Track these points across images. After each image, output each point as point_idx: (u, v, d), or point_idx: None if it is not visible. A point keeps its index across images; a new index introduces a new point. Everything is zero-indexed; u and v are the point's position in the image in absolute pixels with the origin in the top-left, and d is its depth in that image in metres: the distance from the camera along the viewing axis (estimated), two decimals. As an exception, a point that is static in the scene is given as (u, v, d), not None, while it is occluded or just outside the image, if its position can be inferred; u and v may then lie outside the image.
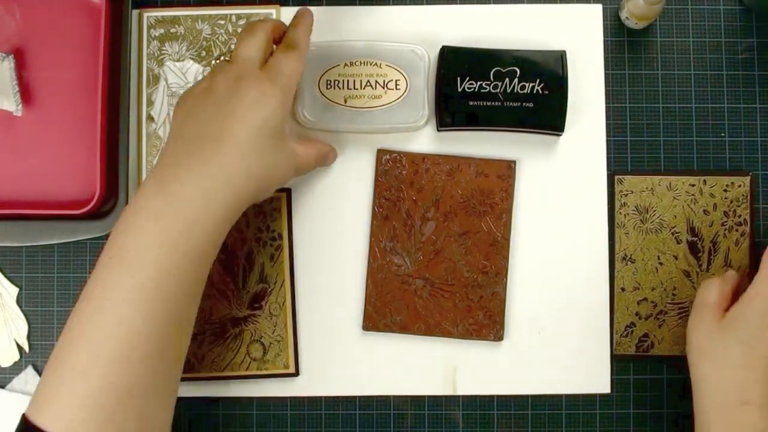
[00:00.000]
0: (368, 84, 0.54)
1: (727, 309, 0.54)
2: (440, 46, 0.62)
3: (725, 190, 0.63)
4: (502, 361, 0.62)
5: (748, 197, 0.63)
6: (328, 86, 0.55)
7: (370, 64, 0.54)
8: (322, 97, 0.55)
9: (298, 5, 0.65)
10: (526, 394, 0.62)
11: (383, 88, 0.54)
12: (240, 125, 0.45)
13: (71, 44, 0.64)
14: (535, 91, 0.60)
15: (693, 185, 0.63)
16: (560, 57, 0.61)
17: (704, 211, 0.63)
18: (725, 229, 0.63)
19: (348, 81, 0.54)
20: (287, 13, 0.65)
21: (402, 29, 0.64)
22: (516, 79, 0.60)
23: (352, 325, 0.63)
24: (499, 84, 0.60)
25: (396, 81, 0.55)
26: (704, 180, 0.63)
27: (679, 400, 0.62)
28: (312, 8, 0.65)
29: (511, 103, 0.60)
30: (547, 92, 0.60)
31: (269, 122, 0.47)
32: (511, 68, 0.60)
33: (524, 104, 0.60)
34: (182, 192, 0.44)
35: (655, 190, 0.63)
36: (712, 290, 0.55)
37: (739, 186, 0.63)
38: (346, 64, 0.54)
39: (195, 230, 0.44)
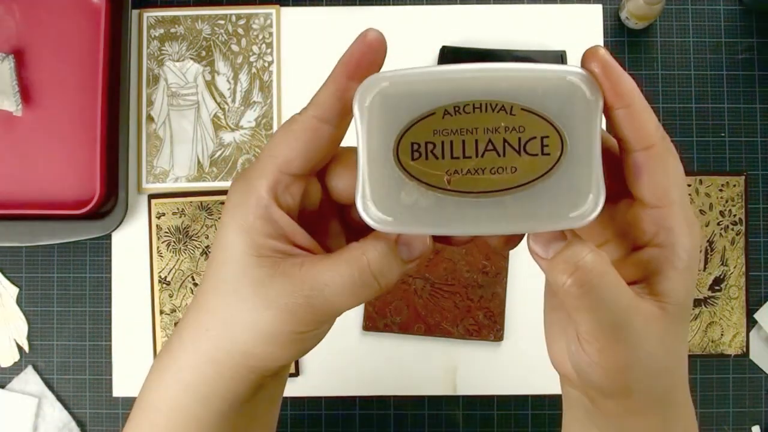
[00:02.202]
0: (490, 147, 0.27)
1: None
2: (440, 46, 0.62)
3: (720, 190, 0.63)
4: (502, 361, 0.62)
5: (743, 197, 0.63)
6: (416, 155, 0.27)
7: (493, 109, 0.27)
8: (404, 175, 0.27)
9: (298, 5, 0.65)
10: (526, 394, 0.62)
11: (518, 152, 0.27)
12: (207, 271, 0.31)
13: (71, 44, 0.64)
14: None
15: (689, 185, 0.63)
16: (560, 57, 0.61)
17: (700, 210, 0.63)
18: (721, 229, 0.63)
19: (452, 143, 0.27)
20: (287, 13, 0.65)
21: (403, 29, 0.64)
22: None
23: (352, 325, 0.63)
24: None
25: (542, 139, 0.27)
26: (700, 180, 0.63)
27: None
28: (311, 9, 0.65)
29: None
30: None
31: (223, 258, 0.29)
32: None
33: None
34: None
35: (654, 190, 0.63)
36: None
37: (734, 185, 0.63)
38: (446, 112, 0.27)
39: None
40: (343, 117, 0.28)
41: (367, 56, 0.27)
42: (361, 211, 0.27)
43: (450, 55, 0.60)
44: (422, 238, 0.29)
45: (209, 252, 0.63)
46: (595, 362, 0.28)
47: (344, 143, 0.29)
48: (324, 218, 0.31)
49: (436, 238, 0.29)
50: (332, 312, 0.29)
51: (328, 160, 0.29)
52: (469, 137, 0.27)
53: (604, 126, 0.28)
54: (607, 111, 0.27)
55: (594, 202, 0.27)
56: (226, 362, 0.30)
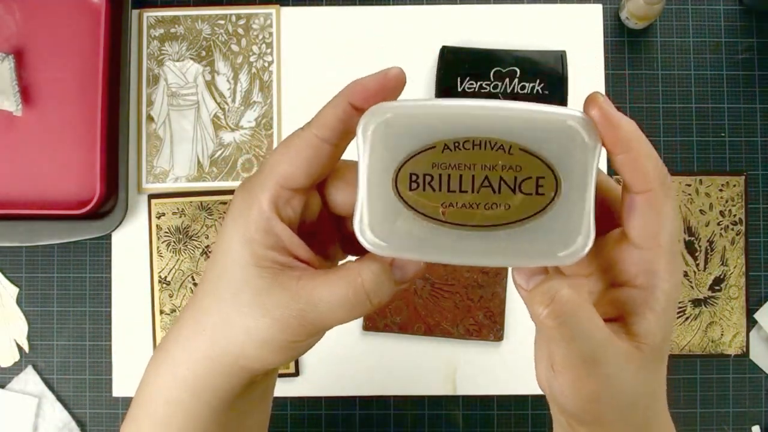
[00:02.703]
0: (486, 183, 0.28)
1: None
2: (440, 46, 0.62)
3: (720, 190, 0.63)
4: (502, 361, 0.62)
5: (743, 196, 0.63)
6: (414, 185, 0.28)
7: (492, 147, 0.28)
8: (401, 204, 0.28)
9: (298, 5, 0.65)
10: (526, 394, 0.62)
11: (513, 190, 0.28)
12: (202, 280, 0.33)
13: (71, 44, 0.64)
14: (535, 91, 0.60)
15: (689, 185, 0.63)
16: (560, 57, 0.61)
17: (700, 210, 0.63)
18: (721, 229, 0.63)
19: (450, 177, 0.28)
20: (287, 13, 0.65)
21: (403, 29, 0.64)
22: (516, 79, 0.60)
23: (352, 325, 0.63)
24: (500, 84, 0.60)
25: (538, 179, 0.28)
26: (700, 180, 0.63)
27: (678, 400, 0.62)
28: (311, 8, 0.65)
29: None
30: (547, 92, 0.60)
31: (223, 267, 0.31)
32: (511, 68, 0.60)
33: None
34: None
35: (654, 190, 0.63)
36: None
37: (734, 185, 0.63)
38: (446, 147, 0.28)
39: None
40: (344, 138, 0.29)
41: (381, 93, 0.28)
42: (358, 235, 0.28)
43: (450, 55, 0.60)
44: (415, 263, 0.30)
45: (209, 252, 0.63)
46: (567, 392, 0.28)
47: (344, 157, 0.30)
48: (322, 227, 0.32)
49: (429, 263, 0.30)
50: (324, 326, 0.30)
51: (328, 174, 0.30)
52: (467, 172, 0.28)
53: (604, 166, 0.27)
54: (609, 154, 0.28)
55: (583, 243, 0.28)
56: (220, 360, 0.31)
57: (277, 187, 0.29)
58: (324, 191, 0.31)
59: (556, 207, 0.28)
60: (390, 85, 0.28)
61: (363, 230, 0.28)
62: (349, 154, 0.30)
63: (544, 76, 0.60)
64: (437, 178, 0.28)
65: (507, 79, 0.60)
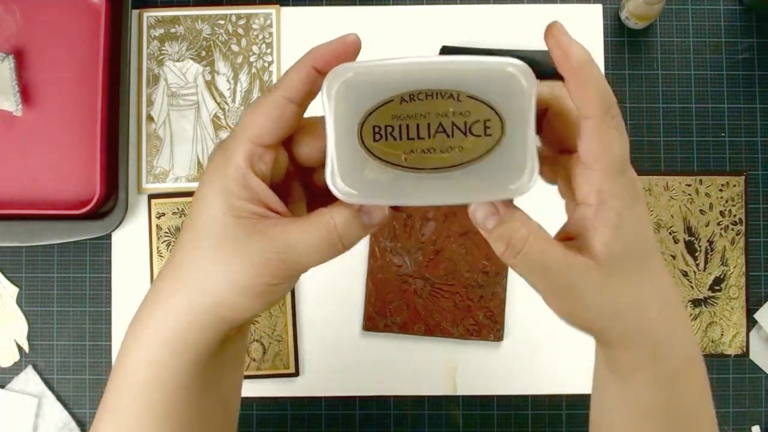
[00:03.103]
0: (440, 129, 0.31)
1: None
2: (440, 46, 0.62)
3: (720, 190, 0.63)
4: (502, 361, 0.62)
5: (743, 196, 0.63)
6: (377, 136, 0.31)
7: (442, 97, 0.31)
8: (367, 154, 0.32)
9: (298, 5, 0.65)
10: (526, 394, 0.62)
11: (464, 133, 0.31)
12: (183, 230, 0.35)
13: (71, 44, 0.64)
14: None
15: (689, 185, 0.63)
16: None
17: (700, 210, 0.63)
18: (721, 229, 0.63)
19: (408, 126, 0.31)
20: (287, 14, 0.65)
21: (403, 29, 0.64)
22: None
23: (352, 325, 0.63)
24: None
25: (485, 122, 0.31)
26: (700, 180, 0.63)
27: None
28: (311, 8, 0.65)
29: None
30: None
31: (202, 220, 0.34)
32: None
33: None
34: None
35: (652, 190, 0.63)
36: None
37: (734, 185, 0.63)
38: (403, 99, 0.31)
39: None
40: (307, 98, 0.32)
41: (341, 57, 0.31)
42: (330, 185, 0.31)
43: (452, 53, 0.61)
44: (381, 208, 0.33)
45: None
46: (559, 315, 0.33)
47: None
48: (289, 185, 0.35)
49: (392, 207, 0.34)
50: (300, 267, 0.32)
51: (293, 131, 0.33)
52: (423, 121, 0.31)
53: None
54: (565, 81, 0.31)
55: (529, 176, 0.31)
56: (199, 313, 0.33)
57: (251, 144, 0.32)
58: (291, 147, 0.34)
59: (503, 145, 0.31)
60: (349, 50, 0.32)
61: (334, 181, 0.31)
62: (311, 112, 0.33)
63: (544, 76, 0.60)
64: (397, 128, 0.31)
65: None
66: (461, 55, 0.33)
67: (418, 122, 0.31)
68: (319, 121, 0.33)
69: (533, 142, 0.31)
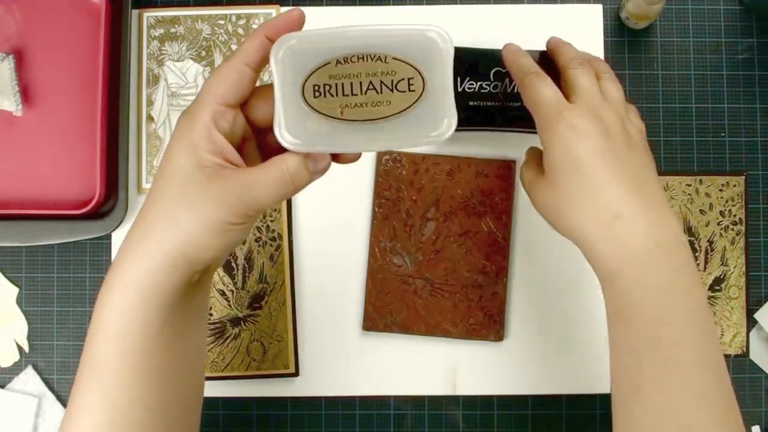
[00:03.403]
0: (371, 87, 0.37)
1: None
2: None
3: (720, 190, 0.63)
4: (502, 361, 0.62)
5: (743, 196, 0.63)
6: (317, 94, 0.37)
7: (372, 59, 0.37)
8: (308, 109, 0.37)
9: (297, 5, 0.65)
10: (526, 394, 0.62)
11: (391, 90, 0.37)
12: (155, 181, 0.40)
13: (71, 44, 0.64)
14: None
15: (689, 185, 0.63)
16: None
17: (700, 210, 0.63)
18: (721, 229, 0.63)
19: (343, 85, 0.37)
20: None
21: (402, 29, 0.65)
22: (506, 79, 0.60)
23: (352, 325, 0.63)
24: (499, 84, 0.60)
25: (409, 80, 0.37)
26: (700, 180, 0.63)
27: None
28: (311, 9, 0.65)
29: (510, 103, 0.60)
30: None
31: (167, 165, 0.38)
32: (498, 69, 0.60)
33: (513, 104, 0.60)
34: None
35: (654, 190, 0.63)
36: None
37: (734, 185, 0.63)
38: (338, 62, 0.37)
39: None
40: (261, 64, 0.38)
41: (288, 27, 0.37)
42: (278, 136, 0.37)
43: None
44: (324, 156, 0.39)
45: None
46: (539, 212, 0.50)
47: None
48: (244, 146, 0.40)
49: (333, 156, 0.39)
50: (256, 205, 0.37)
51: (248, 95, 0.39)
52: (356, 80, 0.37)
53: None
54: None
55: (448, 125, 0.38)
56: (168, 251, 0.37)
57: (215, 104, 0.37)
58: (246, 110, 0.39)
59: (425, 100, 0.38)
60: (294, 22, 0.38)
61: (282, 133, 0.37)
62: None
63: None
64: (334, 86, 0.37)
65: (507, 79, 0.59)
66: (388, 23, 0.39)
67: (351, 81, 0.37)
68: (269, 87, 0.38)
69: (452, 95, 0.38)
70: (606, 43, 0.65)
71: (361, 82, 0.37)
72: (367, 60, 0.37)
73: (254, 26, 0.65)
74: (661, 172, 0.64)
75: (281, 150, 0.38)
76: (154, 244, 0.37)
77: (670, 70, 0.65)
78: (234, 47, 0.65)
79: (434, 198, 0.62)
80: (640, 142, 0.47)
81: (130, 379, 0.38)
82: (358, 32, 0.37)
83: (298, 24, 0.38)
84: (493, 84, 0.60)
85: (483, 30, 0.64)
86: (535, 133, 0.62)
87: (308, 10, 0.65)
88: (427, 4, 0.65)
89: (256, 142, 0.41)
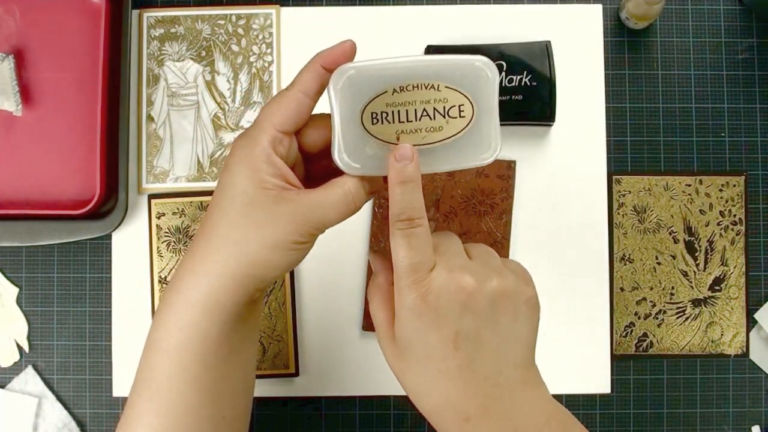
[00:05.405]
0: (425, 113, 0.40)
1: None
2: (425, 46, 0.62)
3: (720, 190, 0.63)
4: (502, 361, 0.62)
5: (743, 197, 0.63)
6: (374, 120, 0.39)
7: (426, 87, 0.39)
8: (367, 135, 0.39)
9: (297, 5, 0.65)
10: (525, 394, 0.62)
11: (444, 116, 0.40)
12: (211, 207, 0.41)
13: (71, 44, 0.64)
14: (522, 84, 0.60)
15: (689, 185, 0.63)
16: (545, 47, 0.61)
17: (700, 210, 0.63)
18: (721, 229, 0.63)
19: (399, 112, 0.40)
20: (287, 14, 0.65)
21: (402, 29, 0.64)
22: (503, 73, 0.60)
23: (352, 325, 0.63)
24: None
25: (460, 106, 0.40)
26: (700, 180, 0.63)
27: (678, 400, 0.62)
28: (311, 9, 0.65)
29: (500, 98, 0.60)
30: (534, 83, 0.60)
31: (231, 191, 0.40)
32: (498, 62, 0.60)
33: (513, 97, 0.60)
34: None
35: (652, 190, 0.63)
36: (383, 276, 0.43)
37: (734, 185, 0.63)
38: (395, 90, 0.39)
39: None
40: (318, 92, 0.40)
41: (342, 58, 0.39)
42: (337, 160, 0.39)
43: (435, 53, 0.61)
44: (378, 178, 0.40)
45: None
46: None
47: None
48: (294, 168, 0.41)
49: (386, 178, 0.40)
50: (321, 225, 0.39)
51: (304, 123, 0.41)
52: (410, 107, 0.39)
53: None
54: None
55: (494, 148, 0.41)
56: (234, 272, 0.38)
57: (273, 130, 0.39)
58: (299, 137, 0.41)
59: (474, 125, 0.40)
60: (348, 52, 0.39)
61: (341, 157, 0.39)
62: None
63: (531, 68, 0.61)
64: (391, 113, 0.39)
65: (504, 73, 0.60)
66: (441, 53, 0.42)
67: (407, 108, 0.39)
68: (323, 116, 0.40)
69: (497, 121, 0.40)
70: (606, 43, 0.65)
71: (416, 109, 0.40)
72: (421, 88, 0.39)
73: (254, 26, 0.65)
74: (661, 172, 0.64)
75: (328, 175, 0.40)
76: (220, 263, 0.39)
77: (670, 70, 0.65)
78: (234, 47, 0.65)
79: (434, 198, 0.62)
80: (509, 303, 0.40)
81: (187, 390, 0.40)
82: (412, 62, 0.39)
83: (352, 54, 0.40)
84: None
85: (483, 30, 0.64)
86: (536, 125, 0.62)
87: (308, 10, 0.65)
88: (428, 4, 0.65)
89: (304, 168, 0.43)
